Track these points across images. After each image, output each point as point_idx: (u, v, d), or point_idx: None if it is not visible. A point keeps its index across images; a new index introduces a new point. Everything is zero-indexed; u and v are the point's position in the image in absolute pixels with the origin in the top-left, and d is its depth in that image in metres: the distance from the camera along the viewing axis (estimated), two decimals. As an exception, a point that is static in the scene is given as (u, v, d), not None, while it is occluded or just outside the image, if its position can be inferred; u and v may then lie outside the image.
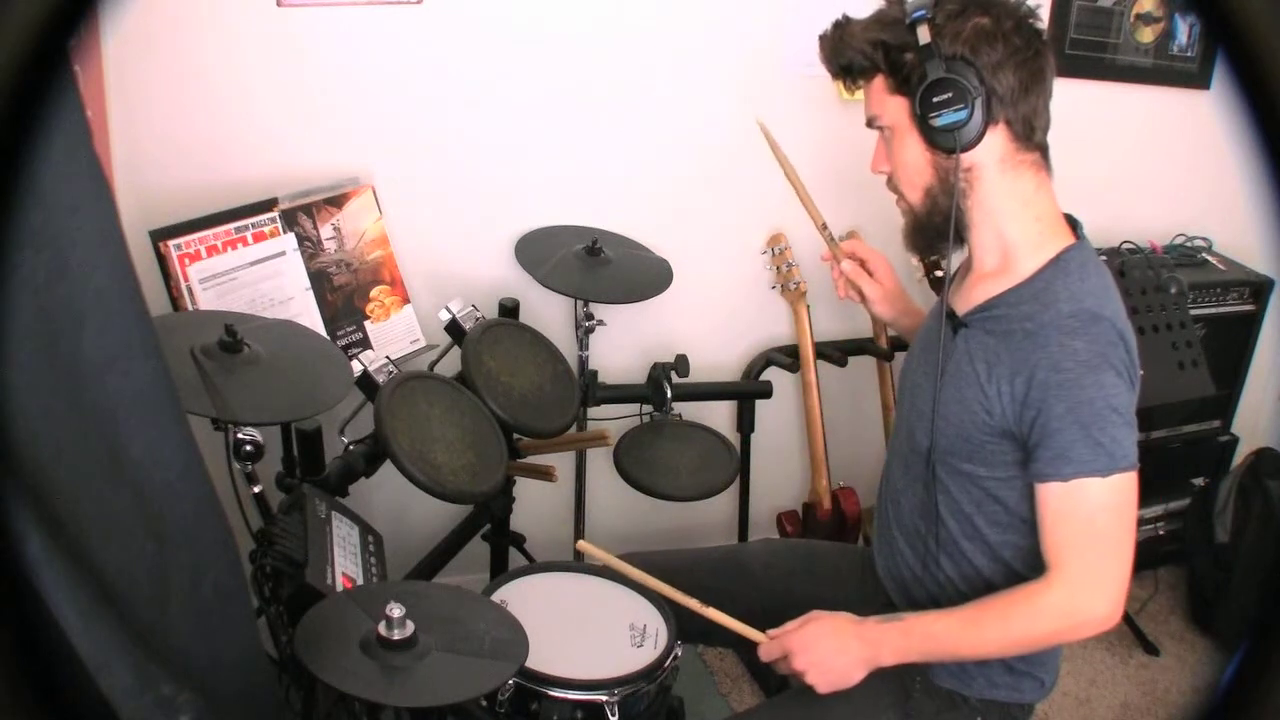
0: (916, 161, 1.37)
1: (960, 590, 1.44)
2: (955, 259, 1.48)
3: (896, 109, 1.36)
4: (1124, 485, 1.27)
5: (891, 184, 1.44)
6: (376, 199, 2.02)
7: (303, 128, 1.99)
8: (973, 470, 1.37)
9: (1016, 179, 1.35)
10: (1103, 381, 1.26)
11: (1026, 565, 1.39)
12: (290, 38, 1.92)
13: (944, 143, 1.32)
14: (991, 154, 1.34)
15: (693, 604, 1.48)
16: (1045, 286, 1.33)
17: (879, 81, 1.37)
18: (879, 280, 1.69)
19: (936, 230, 1.39)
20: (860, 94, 1.43)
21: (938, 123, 1.31)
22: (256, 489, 1.53)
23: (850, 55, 1.37)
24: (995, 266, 1.38)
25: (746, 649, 2.27)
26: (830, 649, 1.38)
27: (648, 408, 2.12)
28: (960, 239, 1.42)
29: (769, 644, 1.44)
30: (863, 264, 1.70)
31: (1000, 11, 1.31)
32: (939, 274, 2.26)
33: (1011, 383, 1.30)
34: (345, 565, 1.45)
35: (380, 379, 1.67)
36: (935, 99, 1.30)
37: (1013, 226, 1.36)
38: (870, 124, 1.42)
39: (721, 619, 1.47)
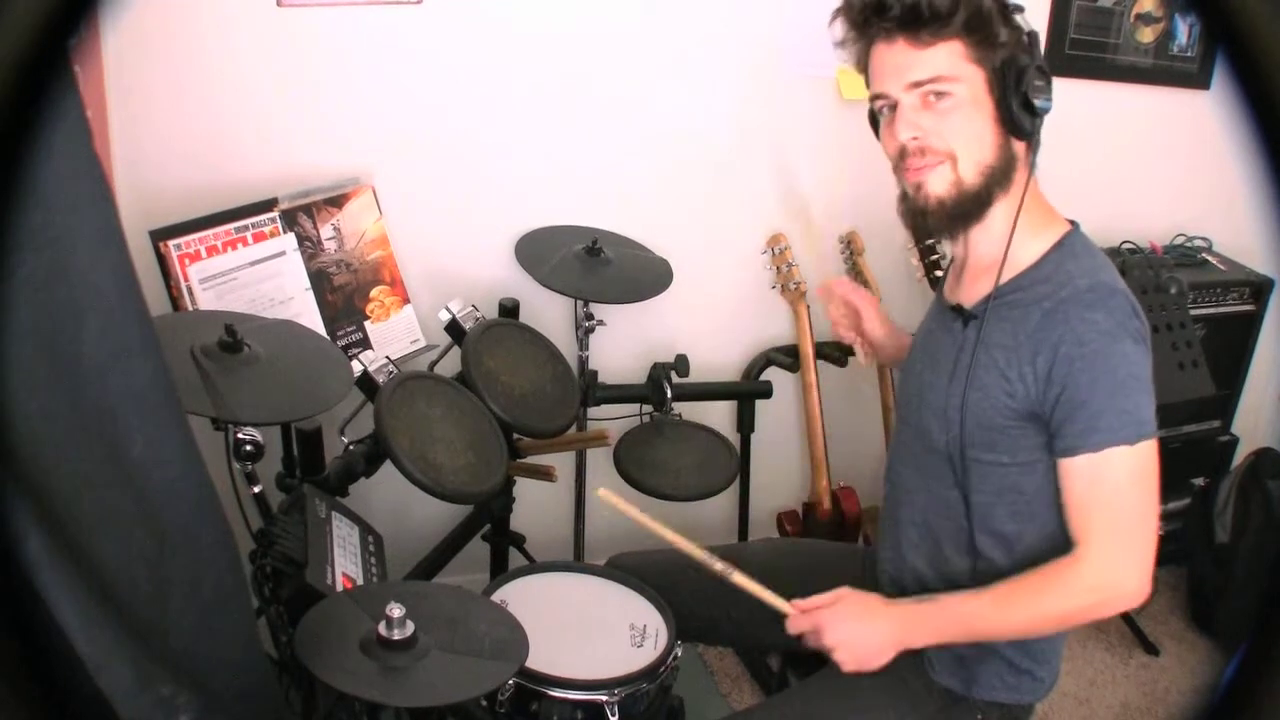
0: (983, 138, 1.33)
1: (970, 588, 1.43)
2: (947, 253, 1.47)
3: (973, 77, 1.31)
4: (1148, 453, 1.28)
5: (920, 152, 1.34)
6: (376, 199, 2.02)
7: (303, 128, 1.99)
8: (994, 459, 1.37)
9: (1029, 171, 1.38)
10: (1124, 350, 1.28)
11: (1044, 559, 1.38)
12: (290, 38, 1.92)
13: (1024, 124, 1.31)
14: (1022, 147, 1.36)
15: (717, 567, 1.44)
16: (1056, 268, 1.34)
17: (956, 44, 1.30)
18: (872, 325, 1.70)
19: (968, 214, 1.36)
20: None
21: (1041, 102, 1.30)
22: (256, 489, 1.53)
23: (952, 3, 1.28)
24: (994, 257, 1.38)
25: (746, 649, 2.29)
26: (862, 629, 1.38)
27: (648, 408, 2.12)
28: (957, 232, 1.41)
29: (798, 617, 1.42)
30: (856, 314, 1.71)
31: None
32: (939, 274, 2.27)
33: (1034, 363, 1.31)
34: (345, 565, 1.45)
35: (380, 379, 1.67)
36: (1037, 82, 1.29)
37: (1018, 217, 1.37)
38: (920, 85, 1.31)
39: (747, 585, 1.44)
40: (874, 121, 1.44)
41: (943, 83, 1.31)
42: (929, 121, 1.32)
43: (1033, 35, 1.32)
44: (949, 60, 1.30)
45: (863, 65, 1.39)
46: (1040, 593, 1.32)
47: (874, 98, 1.38)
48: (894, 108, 1.35)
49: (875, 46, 1.35)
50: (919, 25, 1.29)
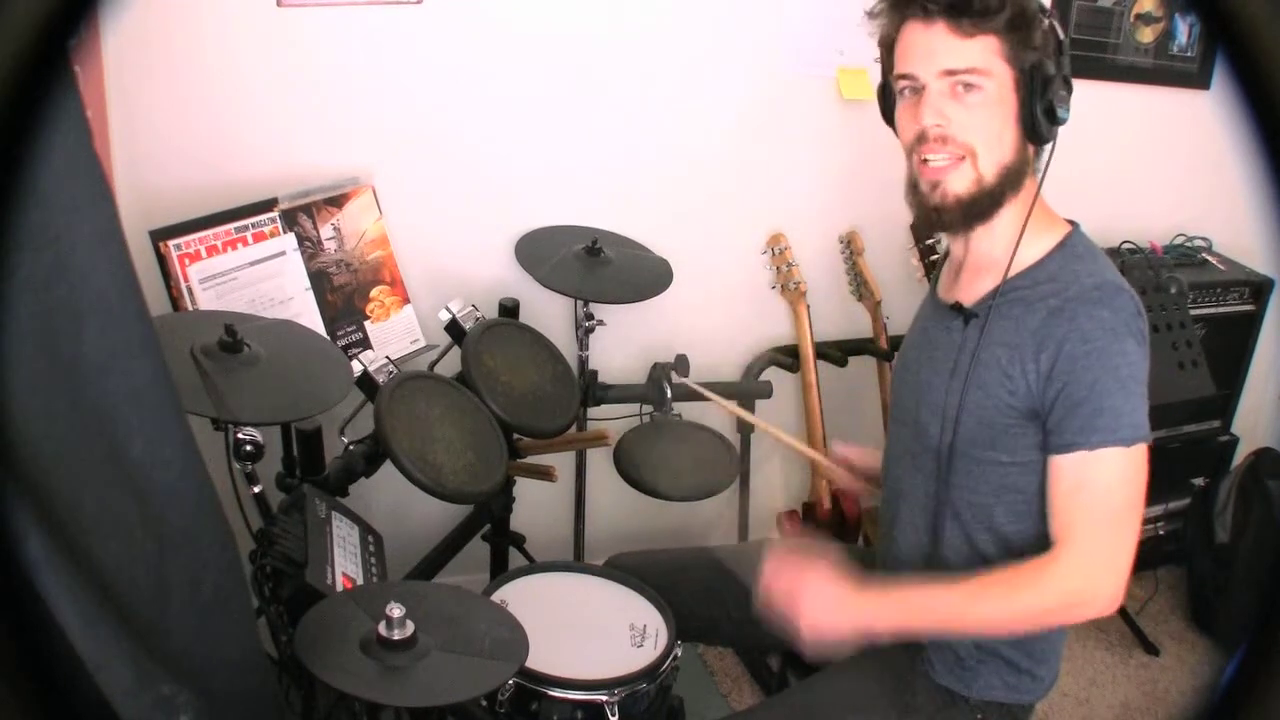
0: (1003, 137, 1.33)
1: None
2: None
3: (1003, 75, 1.30)
4: (1139, 457, 1.28)
5: (941, 140, 1.32)
6: (376, 199, 2.02)
7: (303, 128, 1.99)
8: (994, 458, 1.37)
9: (1038, 178, 1.39)
10: (1127, 350, 1.28)
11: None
12: (290, 38, 1.92)
13: (1043, 130, 1.31)
14: (1032, 152, 1.37)
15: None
16: (1061, 267, 1.35)
17: (993, 40, 1.29)
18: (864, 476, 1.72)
19: (982, 213, 1.36)
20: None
21: (1062, 112, 1.30)
22: (256, 489, 1.53)
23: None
24: (994, 257, 1.38)
25: (746, 649, 2.29)
26: (829, 615, 1.34)
27: (648, 408, 2.12)
28: (966, 229, 1.40)
29: (771, 589, 1.37)
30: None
31: None
32: (939, 274, 2.26)
33: (1037, 360, 1.31)
34: (345, 565, 1.45)
35: (380, 379, 1.67)
36: (1062, 91, 1.30)
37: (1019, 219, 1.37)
38: (954, 74, 1.30)
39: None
40: (884, 99, 1.43)
41: (976, 75, 1.30)
42: (954, 111, 1.31)
43: (1062, 45, 1.31)
44: (984, 54, 1.29)
45: (889, 40, 1.37)
46: (1014, 590, 1.30)
47: (898, 77, 1.36)
48: (918, 90, 1.34)
49: (909, 24, 1.33)
50: (963, 13, 1.28)
